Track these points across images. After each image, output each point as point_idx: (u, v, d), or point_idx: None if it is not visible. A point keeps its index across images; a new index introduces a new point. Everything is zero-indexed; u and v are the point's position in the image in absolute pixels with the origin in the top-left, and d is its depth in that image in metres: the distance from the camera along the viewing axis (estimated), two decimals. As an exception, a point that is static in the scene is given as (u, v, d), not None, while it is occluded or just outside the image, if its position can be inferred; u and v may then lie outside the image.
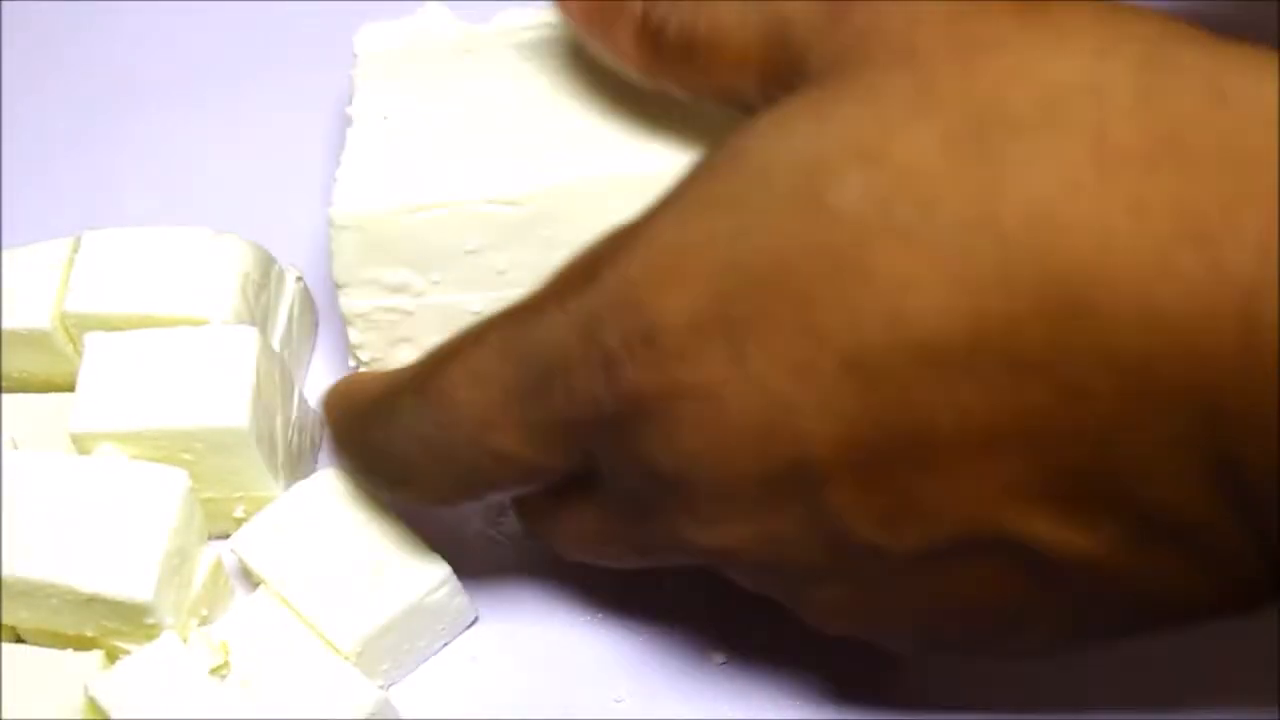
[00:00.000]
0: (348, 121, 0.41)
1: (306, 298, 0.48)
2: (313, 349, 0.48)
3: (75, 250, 0.45)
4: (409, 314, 0.41)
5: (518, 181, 0.39)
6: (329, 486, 0.42)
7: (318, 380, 0.48)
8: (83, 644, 0.40)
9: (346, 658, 0.40)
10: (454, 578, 0.41)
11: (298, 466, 0.44)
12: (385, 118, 0.41)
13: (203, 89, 0.55)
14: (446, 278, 0.40)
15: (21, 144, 0.54)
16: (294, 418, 0.44)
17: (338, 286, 0.41)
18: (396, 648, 0.41)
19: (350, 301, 0.41)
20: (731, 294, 0.29)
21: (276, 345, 0.45)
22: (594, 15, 0.36)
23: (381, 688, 0.41)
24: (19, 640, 0.42)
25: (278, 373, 0.43)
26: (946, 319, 0.28)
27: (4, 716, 0.39)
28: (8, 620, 0.41)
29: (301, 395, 0.45)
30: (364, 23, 0.56)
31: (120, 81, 0.55)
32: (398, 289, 0.40)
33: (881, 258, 0.28)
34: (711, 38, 0.34)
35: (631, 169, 0.39)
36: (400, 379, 0.36)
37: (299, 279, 0.47)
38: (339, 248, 0.40)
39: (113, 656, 0.40)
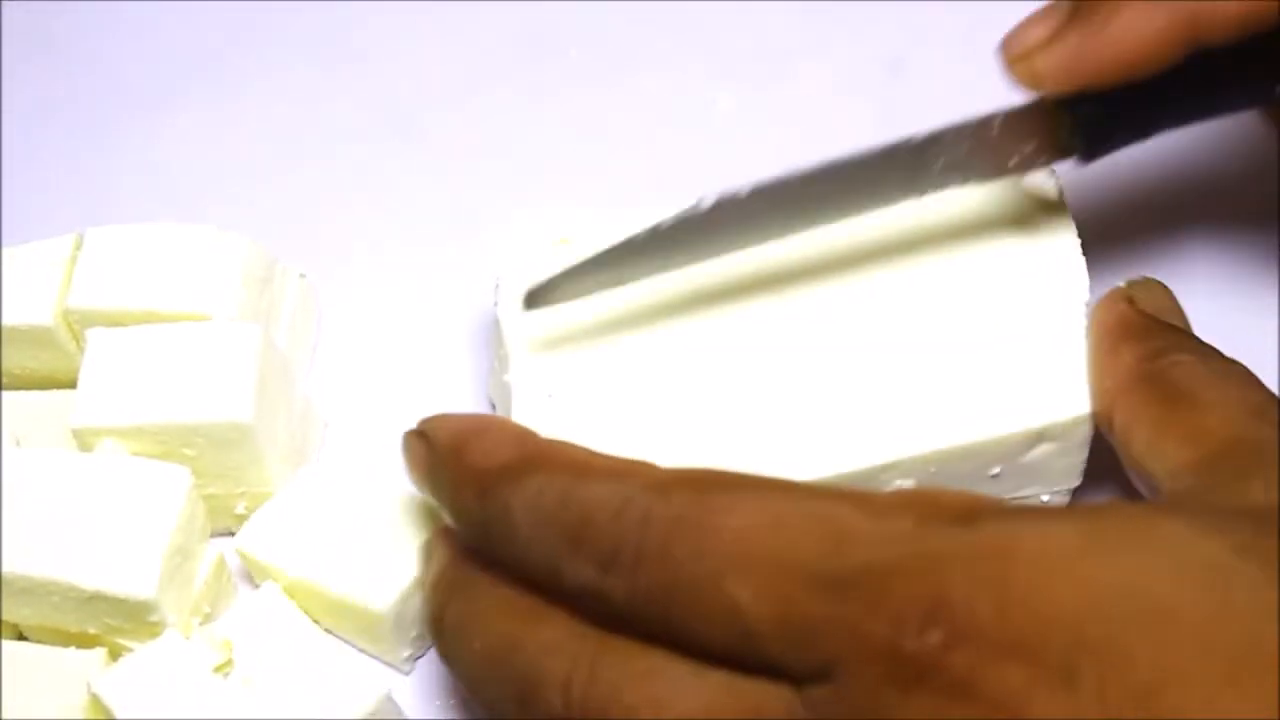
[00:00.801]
0: (505, 389, 0.40)
1: (308, 295, 0.48)
2: (315, 346, 0.48)
3: (78, 247, 0.45)
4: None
5: None
6: (325, 475, 0.42)
7: (320, 377, 0.48)
8: (85, 641, 0.40)
9: (384, 620, 0.40)
10: None
11: (299, 463, 0.44)
12: (550, 395, 0.39)
13: (205, 86, 0.55)
14: None
15: (24, 142, 0.53)
16: (296, 414, 0.44)
17: None
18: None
19: None
20: (1097, 617, 0.28)
21: (279, 342, 0.45)
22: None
23: (409, 658, 0.42)
24: (21, 638, 0.42)
25: (280, 370, 0.43)
26: None
27: (6, 714, 0.39)
28: (10, 618, 0.41)
29: (303, 392, 0.45)
30: (364, 21, 0.56)
31: (122, 80, 0.55)
32: None
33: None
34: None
35: (820, 471, 0.38)
36: (625, 468, 0.32)
37: (302, 276, 0.47)
38: None
39: (115, 654, 0.40)
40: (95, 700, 0.38)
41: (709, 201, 0.38)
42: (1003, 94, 0.39)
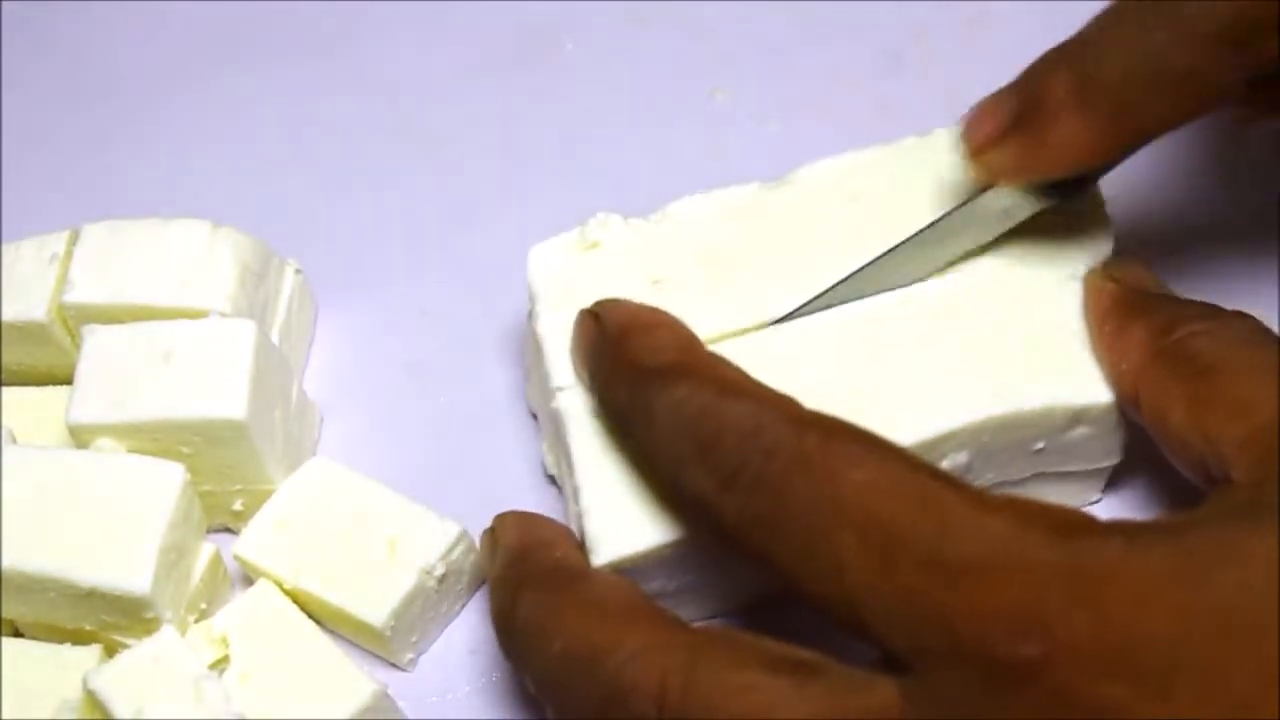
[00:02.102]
0: (555, 414, 0.39)
1: (305, 290, 0.48)
2: (311, 341, 0.48)
3: (74, 242, 0.45)
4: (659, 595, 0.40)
5: None
6: (321, 475, 0.42)
7: (316, 373, 0.48)
8: (81, 638, 0.40)
9: (381, 633, 0.40)
10: (467, 535, 0.41)
11: (296, 459, 0.44)
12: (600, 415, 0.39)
13: (201, 81, 0.55)
14: (696, 571, 0.39)
15: (21, 137, 0.53)
16: (292, 410, 0.44)
17: None
18: (423, 615, 0.41)
19: None
20: (1194, 639, 0.28)
21: (275, 338, 0.45)
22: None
23: (411, 659, 0.42)
24: (18, 634, 0.42)
25: (276, 365, 0.43)
26: None
27: (3, 711, 0.39)
28: (6, 614, 0.41)
29: (300, 388, 0.45)
30: (362, 13, 0.56)
31: (119, 74, 0.55)
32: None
33: None
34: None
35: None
36: (770, 397, 0.33)
37: (298, 271, 0.47)
38: None
39: (112, 650, 0.40)
40: (91, 697, 0.38)
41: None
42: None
